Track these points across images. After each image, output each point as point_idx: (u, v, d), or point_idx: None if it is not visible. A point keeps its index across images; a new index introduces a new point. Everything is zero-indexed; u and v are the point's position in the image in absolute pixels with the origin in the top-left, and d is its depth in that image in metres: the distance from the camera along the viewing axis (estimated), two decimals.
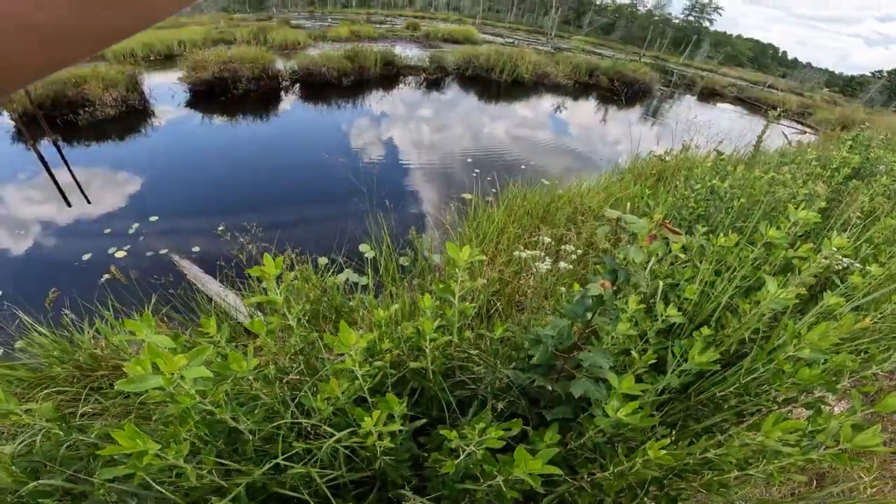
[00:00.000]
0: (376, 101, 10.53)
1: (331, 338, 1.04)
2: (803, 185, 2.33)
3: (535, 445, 1.04)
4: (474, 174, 5.96)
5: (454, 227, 3.21)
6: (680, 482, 1.18)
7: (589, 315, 1.05)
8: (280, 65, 10.86)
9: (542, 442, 1.04)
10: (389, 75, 12.52)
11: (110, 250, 3.92)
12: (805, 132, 13.97)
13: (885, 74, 54.01)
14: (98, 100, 7.62)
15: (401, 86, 12.20)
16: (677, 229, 0.83)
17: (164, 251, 3.93)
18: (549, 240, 1.78)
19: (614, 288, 0.91)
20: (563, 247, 1.71)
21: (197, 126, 8.00)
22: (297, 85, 10.72)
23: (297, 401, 1.18)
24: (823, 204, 2.31)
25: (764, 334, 1.46)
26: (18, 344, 2.05)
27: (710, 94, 22.58)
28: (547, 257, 1.66)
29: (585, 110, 13.54)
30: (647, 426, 1.11)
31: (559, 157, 8.11)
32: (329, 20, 29.35)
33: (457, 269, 1.18)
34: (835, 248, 1.34)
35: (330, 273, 2.74)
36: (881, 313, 1.61)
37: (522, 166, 6.90)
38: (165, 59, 14.03)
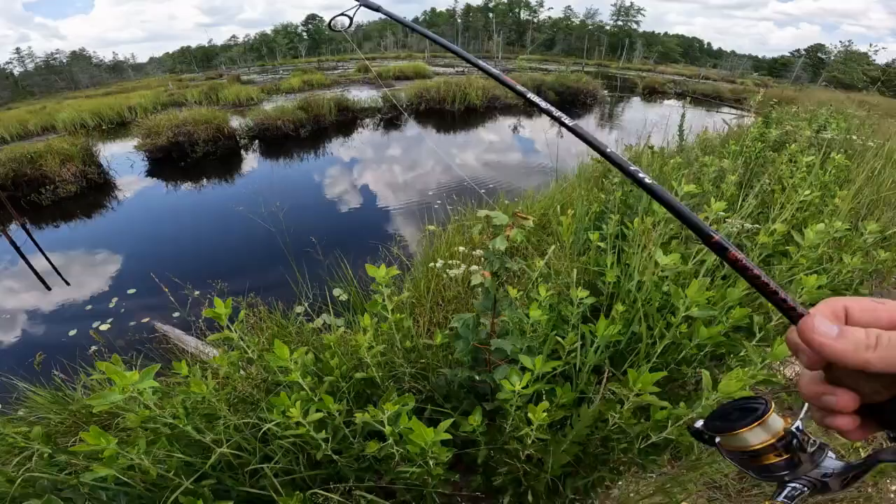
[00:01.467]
0: (336, 148, 10.79)
1: (269, 354, 1.17)
2: (711, 164, 2.57)
3: (462, 427, 1.17)
4: (436, 206, 6.15)
5: (412, 257, 3.36)
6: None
7: (495, 308, 1.19)
8: (236, 122, 11.06)
9: (468, 424, 1.16)
10: (346, 120, 12.81)
11: (94, 324, 4.07)
12: (743, 116, 14.83)
13: (804, 52, 57.93)
14: (57, 176, 7.63)
15: (358, 129, 12.52)
16: (526, 216, 0.98)
17: (145, 319, 4.08)
18: (463, 248, 1.94)
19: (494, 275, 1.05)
20: (474, 252, 1.87)
21: (161, 195, 8.07)
22: (256, 141, 10.90)
23: (256, 413, 1.32)
24: (733, 177, 2.55)
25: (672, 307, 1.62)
26: (21, 412, 2.12)
27: (652, 93, 23.81)
28: (462, 264, 1.82)
29: (540, 126, 14.12)
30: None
31: (527, 175, 8.43)
32: (280, 72, 30.04)
33: (380, 286, 1.31)
34: (715, 211, 1.54)
35: (300, 317, 2.83)
36: (780, 268, 1.80)
37: (491, 185, 7.16)
38: (118, 127, 14.12)
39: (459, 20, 77.10)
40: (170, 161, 9.46)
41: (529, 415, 1.14)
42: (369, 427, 1.14)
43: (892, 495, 1.68)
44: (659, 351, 1.49)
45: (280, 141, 10.85)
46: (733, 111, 16.26)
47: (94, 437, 0.93)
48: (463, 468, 1.53)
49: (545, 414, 1.13)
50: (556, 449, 1.28)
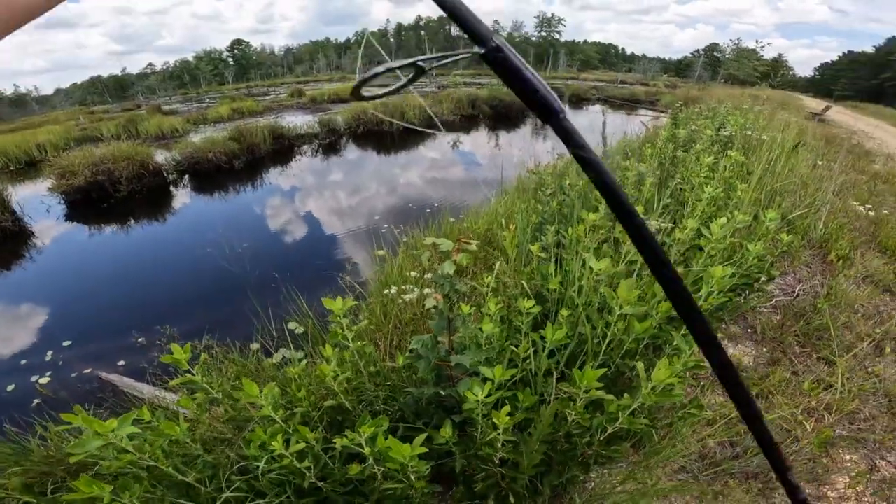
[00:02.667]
0: (274, 177, 10.48)
1: (238, 392, 1.20)
2: (631, 169, 2.85)
3: (436, 440, 1.24)
4: (383, 229, 6.19)
5: (365, 284, 3.41)
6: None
7: (450, 326, 1.28)
8: (161, 157, 10.45)
9: (440, 437, 1.24)
10: (282, 149, 12.48)
11: (32, 378, 3.82)
12: (659, 117, 16.18)
13: (702, 52, 64.32)
14: None
15: (296, 157, 12.25)
16: (469, 240, 1.08)
17: (87, 370, 3.85)
18: (415, 273, 2.03)
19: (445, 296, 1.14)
20: (426, 275, 1.96)
21: (84, 240, 7.46)
22: (186, 176, 10.35)
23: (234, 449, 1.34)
24: (650, 179, 2.82)
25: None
26: None
27: (578, 100, 25.37)
28: (415, 288, 1.90)
29: (480, 140, 14.60)
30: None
31: (471, 188, 8.62)
32: (206, 101, 28.81)
33: (338, 318, 1.36)
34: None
35: (259, 353, 2.77)
36: (696, 262, 2.03)
37: (436, 204, 7.27)
38: (27, 167, 12.91)
39: (392, 39, 78.15)
40: (90, 202, 8.77)
41: (494, 420, 1.23)
42: (349, 450, 1.18)
43: (847, 464, 1.89)
44: (604, 349, 1.63)
45: (213, 174, 10.36)
46: (649, 112, 17.68)
47: (87, 486, 0.95)
48: (444, 480, 1.59)
49: (508, 417, 1.23)
50: (527, 449, 1.38)
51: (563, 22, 71.55)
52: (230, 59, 71.82)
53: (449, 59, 0.34)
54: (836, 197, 4.56)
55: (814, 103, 20.62)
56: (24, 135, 15.56)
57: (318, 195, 9.15)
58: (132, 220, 8.16)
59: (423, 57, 0.33)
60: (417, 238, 3.70)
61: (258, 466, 1.25)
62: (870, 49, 50.28)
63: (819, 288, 3.17)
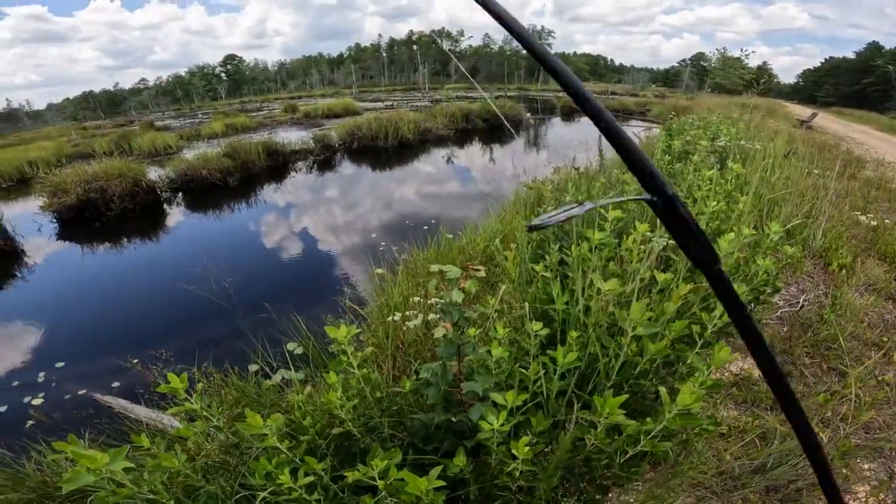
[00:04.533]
0: (269, 195, 10.43)
1: (241, 424, 1.15)
2: (631, 183, 2.84)
3: (449, 469, 1.19)
4: (381, 246, 6.13)
5: (364, 303, 3.36)
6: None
7: (459, 352, 1.23)
8: (154, 174, 10.39)
9: (454, 465, 1.19)
10: (276, 165, 12.42)
11: (25, 399, 3.77)
12: (650, 127, 16.39)
13: (689, 62, 65.53)
14: None
15: (291, 173, 12.22)
16: (478, 267, 1.05)
17: (82, 391, 3.80)
18: (418, 298, 2.00)
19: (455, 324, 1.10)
20: (430, 301, 1.92)
21: (77, 260, 7.36)
22: (179, 194, 10.28)
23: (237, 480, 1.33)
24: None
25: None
26: None
27: (570, 112, 25.65)
28: (419, 313, 1.86)
29: (475, 154, 14.67)
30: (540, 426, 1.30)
31: (467, 203, 8.64)
32: (200, 116, 28.85)
33: (342, 346, 1.31)
34: (641, 233, 1.70)
35: (258, 376, 2.71)
36: (696, 280, 2.00)
37: (433, 220, 7.23)
38: (19, 185, 12.79)
39: (385, 54, 79.01)
40: (82, 221, 8.67)
41: (514, 451, 1.19)
42: (360, 483, 1.14)
43: (867, 473, 1.86)
44: (616, 369, 1.59)
45: (207, 192, 10.29)
46: (640, 123, 17.89)
47: None
48: None
49: (527, 448, 1.18)
50: (544, 475, 1.33)
51: (553, 34, 72.91)
52: (223, 75, 72.20)
53: (620, 200, 0.40)
54: (832, 206, 4.58)
55: (799, 110, 21.00)
56: (15, 151, 15.47)
57: (314, 212, 9.11)
58: (125, 239, 8.07)
59: (593, 203, 0.38)
60: (416, 257, 3.66)
61: (262, 497, 1.21)
62: (851, 55, 51.48)
63: (823, 298, 3.15)
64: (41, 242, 8.00)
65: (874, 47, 47.39)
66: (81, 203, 8.73)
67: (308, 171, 12.45)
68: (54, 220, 8.75)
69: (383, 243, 6.31)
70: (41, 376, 4.10)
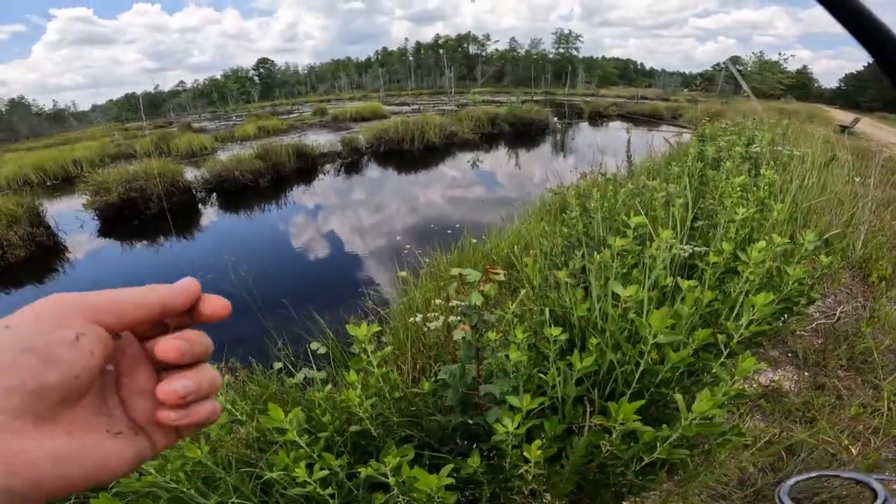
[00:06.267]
0: (298, 196, 10.69)
1: (263, 417, 1.20)
2: (660, 190, 2.78)
3: (463, 470, 1.20)
4: (405, 249, 6.19)
5: (387, 304, 3.41)
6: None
7: (478, 355, 1.25)
8: (190, 174, 10.81)
9: (468, 466, 1.20)
10: (306, 167, 12.72)
11: None
12: (681, 133, 15.97)
13: (724, 65, 63.44)
14: (5, 240, 7.16)
15: (319, 176, 12.48)
16: (497, 270, 1.06)
17: None
18: (440, 301, 2.01)
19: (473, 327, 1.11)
20: (451, 303, 1.94)
21: (116, 257, 7.76)
22: (213, 194, 10.66)
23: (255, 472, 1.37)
24: (680, 200, 2.75)
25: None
26: None
27: (598, 117, 25.28)
28: (440, 315, 1.88)
29: (500, 159, 14.65)
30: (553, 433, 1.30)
31: (491, 208, 8.59)
32: (234, 118, 29.84)
33: (363, 343, 1.34)
34: (664, 240, 1.67)
35: (281, 373, 2.79)
36: (734, 286, 1.94)
37: (457, 224, 7.21)
38: (63, 183, 13.48)
39: (411, 58, 79.86)
40: (122, 219, 9.09)
41: (525, 454, 1.19)
42: (373, 479, 1.17)
43: (894, 486, 1.79)
44: (636, 377, 1.57)
45: (239, 193, 10.64)
46: (671, 128, 17.46)
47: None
48: None
49: (539, 451, 1.18)
50: (557, 481, 1.32)
51: (580, 38, 71.87)
52: (256, 78, 74.41)
53: None
54: (873, 214, 4.36)
55: (841, 115, 20.04)
56: (60, 151, 16.37)
57: (341, 214, 9.29)
58: (161, 238, 8.42)
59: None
60: (440, 260, 3.68)
61: (279, 490, 1.25)
62: None
63: (861, 310, 3.02)
64: (82, 238, 8.44)
65: None
66: (122, 202, 9.17)
67: (336, 174, 12.70)
68: (96, 218, 9.22)
69: (407, 246, 6.37)
70: None
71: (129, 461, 0.27)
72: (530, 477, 1.23)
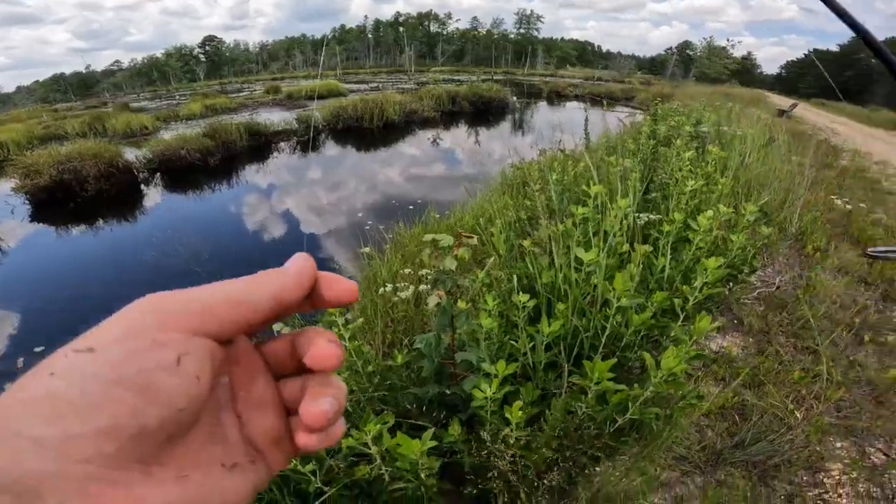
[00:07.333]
0: (252, 175, 10.22)
1: None
2: (617, 164, 2.88)
3: (444, 439, 1.23)
4: (367, 226, 6.09)
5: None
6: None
7: (452, 323, 1.26)
8: (131, 155, 10.06)
9: (448, 435, 1.22)
10: (258, 146, 12.13)
11: (5, 386, 3.63)
12: (635, 113, 16.51)
13: (675, 50, 65.83)
14: None
15: (274, 154, 11.96)
16: (470, 235, 1.07)
17: None
18: (409, 270, 2.02)
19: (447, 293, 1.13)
20: (420, 272, 1.95)
21: (52, 242, 7.15)
22: (158, 174, 9.99)
23: None
24: (636, 174, 2.86)
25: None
26: None
27: (556, 97, 25.64)
28: (410, 285, 1.88)
29: (461, 136, 14.58)
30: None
31: (453, 185, 8.53)
32: (177, 98, 27.96)
33: (333, 317, 1.32)
34: (621, 208, 1.74)
35: None
36: (686, 252, 2.06)
37: (419, 201, 7.17)
38: None
39: (370, 36, 77.24)
40: (56, 202, 8.37)
41: (507, 415, 1.22)
42: (354, 451, 1.16)
43: (839, 451, 1.92)
44: (603, 342, 1.64)
45: (186, 172, 10.02)
46: (626, 109, 18.00)
47: None
48: (452, 479, 1.57)
49: (521, 412, 1.22)
50: (538, 446, 1.37)
51: (541, 19, 72.03)
52: (202, 56, 69.88)
53: None
54: (808, 191, 4.72)
55: (780, 100, 21.36)
56: None
57: (299, 193, 8.99)
58: (101, 221, 7.85)
59: None
60: (404, 234, 3.66)
61: None
62: (835, 48, 52.21)
63: (798, 280, 3.26)
64: (14, 224, 7.73)
65: (858, 41, 47.95)
66: (55, 184, 8.43)
67: (292, 152, 12.23)
68: (27, 202, 8.45)
69: (369, 222, 6.28)
70: (20, 362, 4.02)
71: (246, 497, 0.23)
72: (512, 441, 1.26)
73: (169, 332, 0.20)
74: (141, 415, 0.18)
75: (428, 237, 1.04)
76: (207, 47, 71.54)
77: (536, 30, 71.94)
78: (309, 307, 0.26)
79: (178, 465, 0.20)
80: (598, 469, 1.52)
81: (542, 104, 23.54)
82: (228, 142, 11.19)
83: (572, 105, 22.05)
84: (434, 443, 1.09)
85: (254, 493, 0.23)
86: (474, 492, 1.35)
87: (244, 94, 26.41)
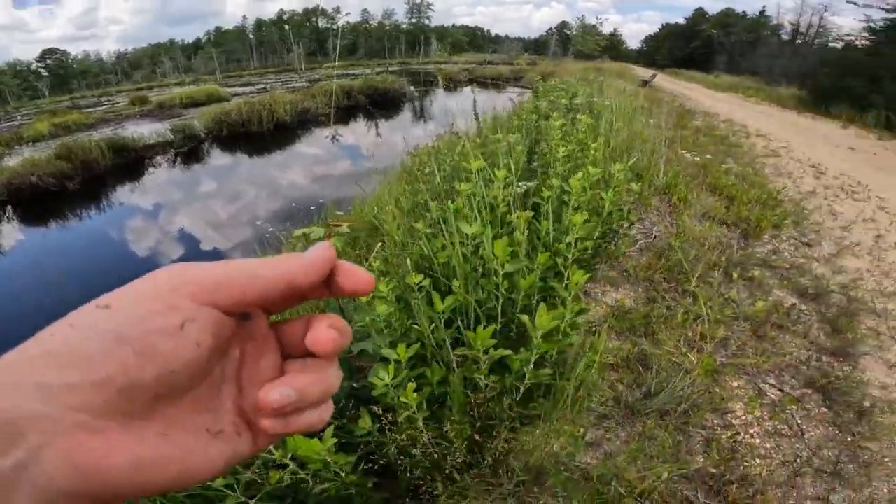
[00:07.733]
0: (125, 196, 9.07)
1: None
2: (501, 140, 3.02)
3: (356, 433, 1.20)
4: (267, 234, 5.72)
5: None
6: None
7: (344, 315, 1.23)
8: None
9: (360, 429, 1.21)
10: (127, 163, 10.71)
11: None
12: (524, 92, 17.40)
13: (555, 30, 70.57)
14: None
15: (149, 170, 10.66)
16: (339, 223, 1.06)
17: None
18: None
19: None
20: None
21: None
22: (8, 207, 8.45)
23: None
24: (520, 147, 3.02)
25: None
26: None
27: (451, 83, 26.11)
28: None
29: (360, 130, 14.22)
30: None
31: (358, 180, 8.25)
32: (19, 118, 23.76)
33: None
34: (501, 179, 1.83)
35: None
36: (566, 213, 2.22)
37: (321, 200, 6.86)
38: None
39: (252, 36, 71.74)
40: None
41: (403, 399, 1.22)
42: (262, 459, 1.10)
43: (737, 391, 2.01)
44: (500, 310, 1.71)
45: (41, 200, 8.60)
46: (516, 89, 18.91)
47: None
48: (384, 475, 1.53)
49: (416, 394, 1.23)
50: (451, 425, 1.38)
51: (432, 7, 72.34)
52: (42, 71, 60.11)
53: None
54: (669, 149, 5.36)
55: (642, 72, 23.92)
56: None
57: (191, 208, 8.21)
58: None
59: None
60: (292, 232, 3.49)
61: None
62: (682, 21, 59.22)
63: (670, 228, 3.66)
64: None
65: (699, 13, 54.91)
66: None
67: (171, 166, 11.02)
68: None
69: (270, 228, 5.92)
70: None
71: (220, 466, 0.23)
72: (420, 423, 1.27)
73: (180, 299, 0.21)
74: (133, 373, 0.19)
75: (298, 232, 1.00)
76: (49, 61, 61.75)
77: (428, 18, 72.26)
78: (328, 293, 0.27)
79: (163, 423, 0.21)
80: (525, 440, 1.56)
81: (439, 91, 23.82)
82: (88, 161, 9.74)
83: (467, 90, 22.62)
84: (334, 440, 1.06)
85: (228, 466, 0.24)
86: (403, 482, 1.34)
87: (103, 107, 23.16)
